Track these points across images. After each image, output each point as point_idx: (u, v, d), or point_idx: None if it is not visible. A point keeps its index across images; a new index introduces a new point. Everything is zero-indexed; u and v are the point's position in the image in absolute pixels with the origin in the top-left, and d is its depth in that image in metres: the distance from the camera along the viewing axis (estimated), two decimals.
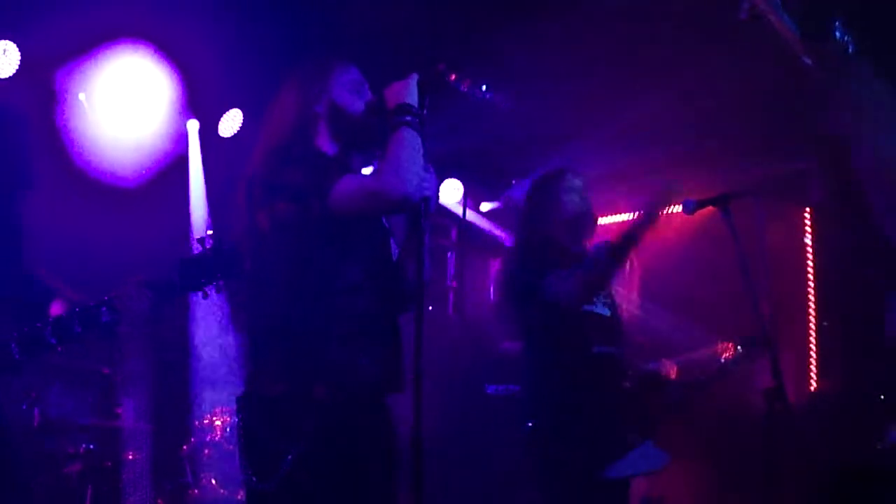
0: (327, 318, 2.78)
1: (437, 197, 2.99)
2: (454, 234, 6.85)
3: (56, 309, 2.59)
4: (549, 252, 3.95)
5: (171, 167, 5.83)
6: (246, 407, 2.83)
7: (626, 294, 4.82)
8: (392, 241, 3.07)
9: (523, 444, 3.89)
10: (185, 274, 2.43)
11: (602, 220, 7.36)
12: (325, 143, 2.99)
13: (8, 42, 4.93)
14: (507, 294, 4.08)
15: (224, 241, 2.36)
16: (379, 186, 2.75)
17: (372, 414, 2.89)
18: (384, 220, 3.05)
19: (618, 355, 3.98)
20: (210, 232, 2.64)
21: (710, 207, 3.95)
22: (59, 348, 2.49)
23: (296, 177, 2.76)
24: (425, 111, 2.83)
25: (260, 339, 2.86)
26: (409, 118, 2.80)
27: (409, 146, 2.77)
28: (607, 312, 4.02)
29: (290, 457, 2.66)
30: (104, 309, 2.46)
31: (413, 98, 2.83)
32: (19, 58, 4.90)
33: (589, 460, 3.71)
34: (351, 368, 2.78)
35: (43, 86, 5.12)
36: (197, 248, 2.50)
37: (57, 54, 5.18)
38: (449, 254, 7.06)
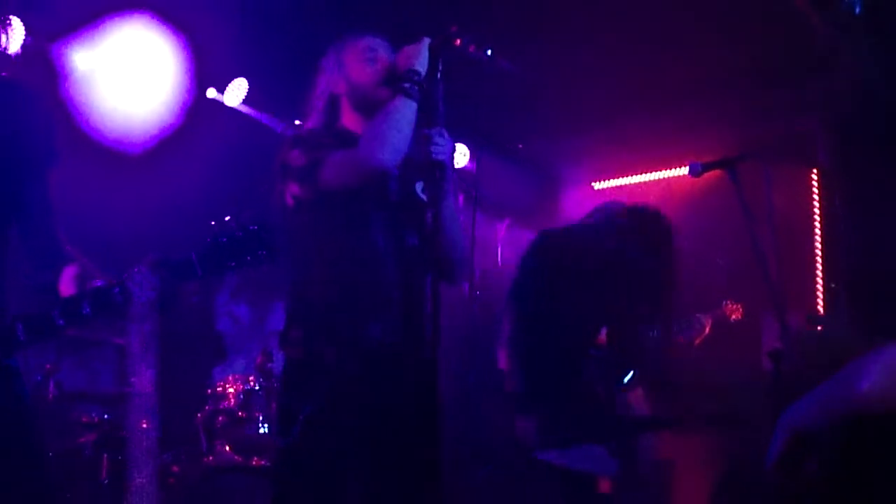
0: (338, 288, 2.93)
1: (453, 161, 2.99)
2: (462, 199, 6.76)
3: (68, 275, 2.53)
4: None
5: (178, 137, 5.80)
6: (282, 371, 3.09)
7: None
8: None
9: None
10: (209, 256, 2.31)
11: (601, 185, 7.44)
12: (351, 121, 3.08)
13: (13, 17, 4.90)
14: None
15: (250, 221, 2.27)
16: (355, 157, 2.84)
17: (385, 379, 2.95)
18: (419, 191, 3.08)
19: (603, 359, 4.14)
20: (228, 218, 2.52)
21: (717, 171, 3.94)
22: (68, 330, 2.38)
23: (299, 158, 2.87)
24: (439, 75, 2.84)
25: (289, 309, 3.06)
26: (406, 85, 2.83)
27: (395, 115, 2.82)
28: None
29: (301, 416, 2.83)
30: (116, 290, 2.32)
31: (422, 63, 2.85)
32: (24, 32, 4.88)
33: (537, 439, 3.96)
34: (360, 335, 2.91)
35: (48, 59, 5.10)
36: (218, 229, 2.35)
37: (62, 27, 5.15)
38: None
